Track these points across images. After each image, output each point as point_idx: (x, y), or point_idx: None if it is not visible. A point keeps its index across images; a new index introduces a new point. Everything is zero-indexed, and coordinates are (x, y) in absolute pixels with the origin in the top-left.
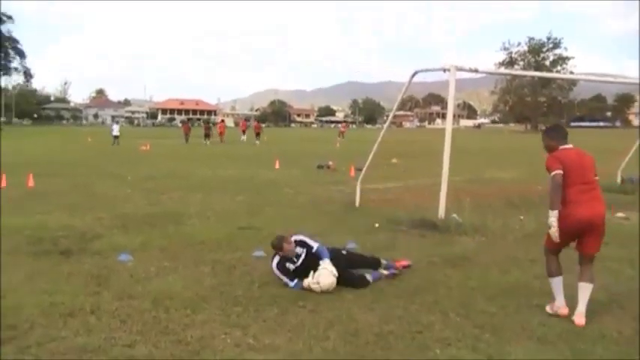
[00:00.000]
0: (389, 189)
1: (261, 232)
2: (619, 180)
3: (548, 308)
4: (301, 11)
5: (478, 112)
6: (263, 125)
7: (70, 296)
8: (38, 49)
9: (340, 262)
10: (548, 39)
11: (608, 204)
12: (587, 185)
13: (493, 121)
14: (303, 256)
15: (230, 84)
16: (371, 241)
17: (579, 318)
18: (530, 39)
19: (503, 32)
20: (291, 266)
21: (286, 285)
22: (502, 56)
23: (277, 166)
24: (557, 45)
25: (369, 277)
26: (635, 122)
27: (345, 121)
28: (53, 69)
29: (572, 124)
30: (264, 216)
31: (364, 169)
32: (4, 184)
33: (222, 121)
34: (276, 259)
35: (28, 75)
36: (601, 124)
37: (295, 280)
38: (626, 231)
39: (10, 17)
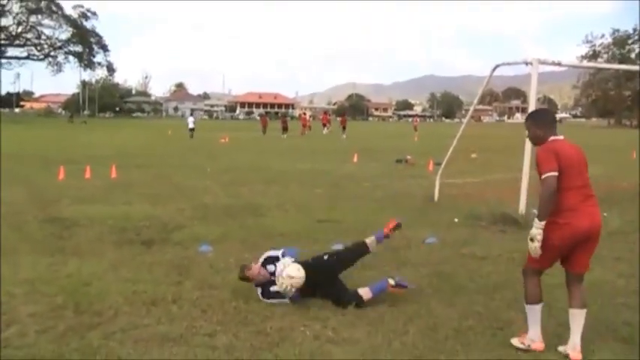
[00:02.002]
0: (468, 184)
1: (340, 225)
2: None
3: (515, 341)
4: (380, 5)
5: (559, 107)
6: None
7: (152, 285)
8: (121, 43)
9: (321, 270)
10: (634, 30)
11: None
12: (586, 189)
13: (574, 116)
14: (278, 270)
15: (308, 78)
16: (451, 236)
17: (575, 353)
18: (615, 31)
19: (586, 25)
20: (275, 287)
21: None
22: (584, 49)
23: (355, 159)
24: None
25: (365, 291)
26: None
27: (416, 115)
28: (135, 63)
29: None
30: (342, 209)
31: (443, 163)
32: (88, 174)
33: (305, 113)
34: (259, 290)
35: (110, 69)
36: None
37: (291, 295)
38: None
39: (94, 13)
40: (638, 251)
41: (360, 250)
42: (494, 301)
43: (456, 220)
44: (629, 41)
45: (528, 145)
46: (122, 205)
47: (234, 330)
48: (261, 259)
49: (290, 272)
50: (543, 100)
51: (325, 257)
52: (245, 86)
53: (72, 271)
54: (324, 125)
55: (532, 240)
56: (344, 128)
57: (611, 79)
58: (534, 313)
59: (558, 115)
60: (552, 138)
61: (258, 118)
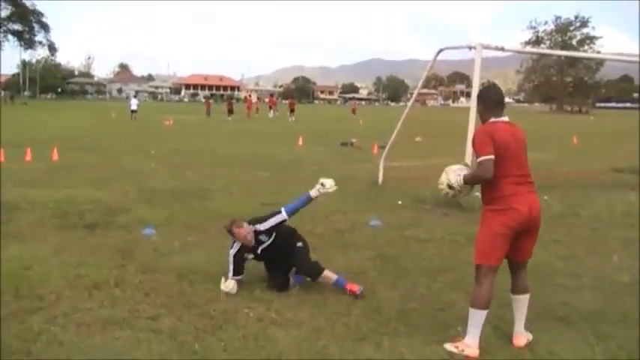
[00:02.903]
0: (412, 167)
1: None
2: None
3: (449, 346)
4: None
5: (503, 91)
6: (284, 102)
7: (95, 269)
8: (63, 23)
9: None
10: (576, 17)
11: (631, 186)
12: (524, 176)
13: (518, 101)
14: (267, 243)
15: (254, 60)
16: (395, 218)
17: (519, 339)
18: (558, 17)
19: (530, 11)
20: (249, 257)
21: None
22: (528, 35)
23: (301, 143)
24: (584, 24)
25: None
26: None
27: (354, 98)
28: (78, 43)
29: (599, 104)
30: (288, 192)
31: (387, 146)
32: (28, 157)
33: (250, 96)
34: (236, 246)
35: (52, 49)
36: (628, 105)
37: (240, 277)
38: None
39: None
40: (579, 234)
41: (311, 268)
42: (437, 283)
43: (400, 202)
44: (571, 28)
45: (471, 129)
46: (65, 188)
47: (178, 313)
48: (261, 227)
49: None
50: (488, 84)
51: (299, 244)
52: (190, 68)
53: (12, 256)
54: (271, 108)
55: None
56: (292, 111)
57: (554, 66)
58: (479, 318)
59: None
60: (493, 119)
61: (203, 100)
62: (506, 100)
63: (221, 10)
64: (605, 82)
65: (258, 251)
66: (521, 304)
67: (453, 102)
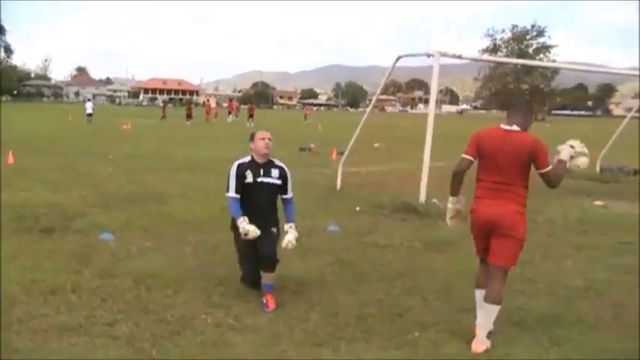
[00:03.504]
0: (371, 173)
1: None
2: (598, 169)
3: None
4: None
5: (460, 98)
6: (244, 107)
7: (51, 274)
8: (19, 24)
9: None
10: (533, 27)
11: (587, 192)
12: (498, 184)
13: (475, 108)
14: (271, 180)
15: (213, 65)
16: (353, 224)
17: (476, 345)
18: (514, 26)
19: (489, 20)
20: (249, 175)
21: (227, 191)
22: (486, 43)
23: None
24: (541, 33)
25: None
26: (616, 112)
27: (305, 103)
28: (34, 45)
29: (555, 112)
30: None
31: (346, 152)
32: None
33: (209, 100)
34: (246, 159)
35: (8, 51)
36: (582, 112)
37: (233, 195)
38: (605, 219)
39: None
40: (535, 240)
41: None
42: (395, 288)
43: (358, 208)
44: (528, 37)
45: (429, 135)
46: (20, 191)
47: (135, 319)
48: (279, 162)
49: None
50: (446, 91)
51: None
52: (149, 72)
53: None
54: (230, 113)
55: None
56: (251, 116)
57: (511, 74)
58: (476, 297)
59: (460, 107)
60: (499, 125)
61: (162, 104)
62: (464, 107)
63: (180, 13)
64: (561, 90)
65: (259, 179)
66: (484, 312)
67: (412, 108)
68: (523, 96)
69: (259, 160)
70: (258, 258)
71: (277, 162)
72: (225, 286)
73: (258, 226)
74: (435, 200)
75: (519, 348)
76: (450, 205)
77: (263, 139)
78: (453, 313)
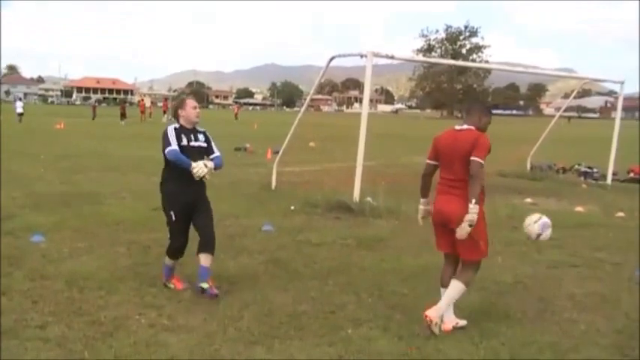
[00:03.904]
0: (306, 172)
1: None
2: (529, 167)
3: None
4: None
5: (396, 98)
6: None
7: None
8: None
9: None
10: (466, 27)
11: (518, 190)
12: (449, 181)
13: (410, 107)
14: (199, 143)
15: (148, 64)
16: (287, 223)
17: (431, 311)
18: (448, 27)
19: (424, 20)
20: (184, 139)
21: (167, 146)
22: (420, 43)
23: None
24: (474, 34)
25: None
26: (547, 111)
27: (238, 103)
28: None
29: None
30: None
31: (280, 152)
32: None
33: (143, 100)
34: (176, 125)
35: None
36: (514, 112)
37: (177, 148)
38: None
39: None
40: None
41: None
42: (328, 286)
43: (293, 207)
44: (461, 37)
45: (363, 135)
46: None
47: (67, 320)
48: (202, 130)
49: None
50: (381, 91)
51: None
52: (83, 71)
53: None
54: (165, 112)
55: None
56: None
57: (444, 73)
58: (456, 292)
59: (395, 106)
60: (452, 127)
61: (95, 104)
62: (399, 106)
63: (114, 11)
64: (493, 89)
65: (191, 142)
66: (451, 287)
67: (347, 108)
68: (456, 95)
69: (188, 127)
70: (199, 235)
71: (199, 128)
72: (158, 287)
73: (194, 189)
74: (368, 198)
75: (450, 343)
76: (420, 207)
77: (195, 107)
78: (385, 310)
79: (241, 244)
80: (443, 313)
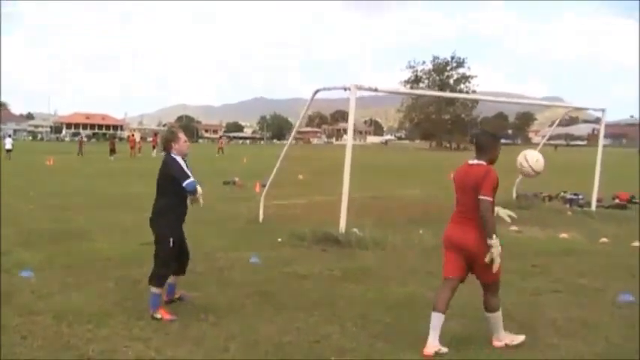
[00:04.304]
0: (293, 205)
1: None
2: (514, 195)
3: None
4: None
5: (385, 129)
6: None
7: None
8: None
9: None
10: (452, 58)
11: (501, 219)
12: (461, 209)
13: (399, 138)
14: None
15: (137, 99)
16: (274, 255)
17: (494, 342)
18: (435, 58)
19: (411, 52)
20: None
21: (187, 178)
22: (407, 74)
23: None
24: (460, 64)
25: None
26: (535, 139)
27: (222, 136)
28: None
29: None
30: None
31: (267, 185)
32: None
33: (133, 135)
34: (178, 157)
35: None
36: (503, 141)
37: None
38: (518, 244)
39: None
40: None
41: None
42: (313, 316)
43: (280, 240)
44: (448, 68)
45: (347, 166)
46: None
47: (55, 355)
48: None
49: None
50: (370, 122)
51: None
52: (72, 107)
53: None
54: (154, 147)
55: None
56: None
57: (433, 104)
58: (435, 319)
59: (384, 138)
60: (467, 162)
61: (85, 139)
62: (388, 137)
63: (101, 47)
64: (482, 119)
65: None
66: (488, 320)
67: (337, 140)
68: (445, 125)
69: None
70: (182, 259)
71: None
72: (146, 320)
73: (184, 218)
74: (355, 230)
75: None
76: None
77: (186, 141)
78: (368, 338)
79: (229, 277)
80: (503, 337)
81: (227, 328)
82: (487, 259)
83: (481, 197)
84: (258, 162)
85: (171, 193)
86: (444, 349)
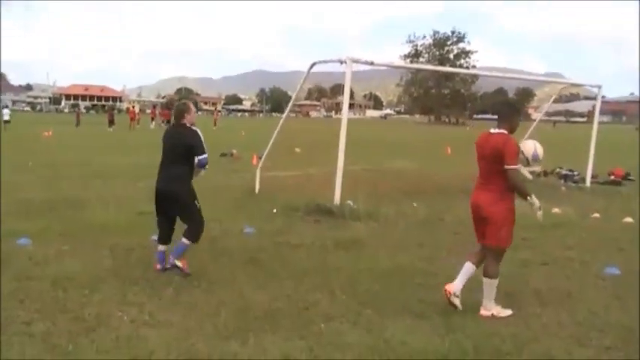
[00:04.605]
0: (289, 177)
1: None
2: None
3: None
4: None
5: (384, 103)
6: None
7: None
8: None
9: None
10: (453, 33)
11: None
12: (481, 179)
13: (398, 112)
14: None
15: (136, 71)
16: (268, 226)
17: (483, 311)
18: (435, 32)
19: (410, 26)
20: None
21: (204, 152)
22: (407, 49)
23: None
24: (461, 39)
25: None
26: (534, 116)
27: (217, 110)
28: None
29: (476, 116)
30: None
31: (263, 157)
32: None
33: (133, 107)
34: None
35: None
36: None
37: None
38: None
39: None
40: (441, 238)
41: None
42: (303, 284)
43: (275, 211)
44: (448, 43)
45: (343, 139)
46: None
47: (52, 318)
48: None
49: None
50: (370, 96)
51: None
52: (71, 78)
53: None
54: (152, 119)
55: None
56: (168, 122)
57: (432, 79)
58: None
59: (383, 112)
60: (488, 130)
61: (84, 111)
62: (388, 111)
63: (100, 17)
64: (481, 94)
65: None
66: (483, 285)
67: (336, 113)
68: (444, 100)
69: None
70: None
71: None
72: (140, 286)
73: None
74: (349, 202)
75: (417, 336)
76: (535, 201)
77: (195, 112)
78: (356, 306)
79: (222, 246)
80: (490, 307)
81: (219, 294)
82: (539, 216)
83: (507, 167)
84: (257, 135)
85: (188, 161)
86: (458, 303)
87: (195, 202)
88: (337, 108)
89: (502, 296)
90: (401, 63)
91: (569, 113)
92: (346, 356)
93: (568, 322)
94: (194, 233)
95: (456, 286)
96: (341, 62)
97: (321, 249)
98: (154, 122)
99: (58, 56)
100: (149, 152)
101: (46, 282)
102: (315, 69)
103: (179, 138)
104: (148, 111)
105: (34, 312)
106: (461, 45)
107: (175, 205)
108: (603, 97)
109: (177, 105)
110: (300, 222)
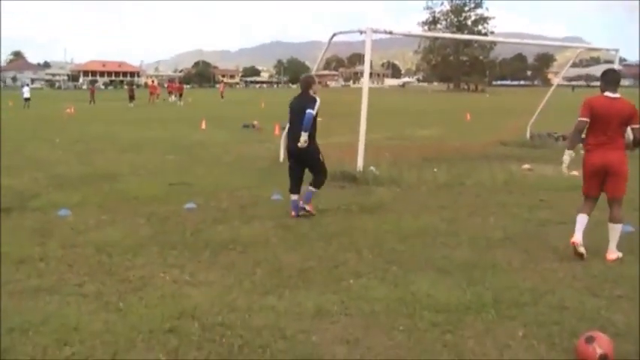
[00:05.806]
0: None
1: (192, 188)
2: (528, 136)
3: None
4: None
5: (403, 72)
6: (187, 86)
7: (17, 247)
8: None
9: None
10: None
11: (517, 157)
12: (604, 137)
13: (417, 80)
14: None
15: (153, 45)
16: None
17: (609, 254)
18: None
19: None
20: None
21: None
22: (425, 15)
23: (204, 126)
24: (478, 5)
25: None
26: (554, 81)
27: (223, 82)
28: None
29: (495, 83)
30: (193, 173)
31: (287, 126)
32: None
33: (153, 81)
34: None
35: None
36: (522, 83)
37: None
38: (529, 181)
39: None
40: (463, 200)
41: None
42: (332, 245)
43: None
44: (466, 9)
45: (364, 108)
46: None
47: (101, 279)
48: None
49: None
50: (387, 65)
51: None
52: (88, 54)
53: None
54: (170, 93)
55: (562, 162)
56: (180, 95)
57: (450, 46)
58: (578, 220)
59: (402, 80)
60: (604, 94)
61: (102, 87)
62: (406, 80)
63: None
64: (500, 60)
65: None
66: (612, 230)
67: (354, 83)
68: (462, 67)
69: None
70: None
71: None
72: (178, 250)
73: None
74: (372, 168)
75: (440, 289)
76: (567, 157)
77: (318, 83)
78: (383, 264)
79: (253, 212)
80: (614, 249)
81: (253, 256)
82: None
83: (637, 127)
84: (276, 106)
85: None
86: (584, 250)
87: (320, 156)
88: (355, 77)
89: (521, 252)
90: (419, 31)
91: (589, 77)
92: (375, 308)
93: (582, 275)
94: (320, 182)
95: (579, 238)
96: (360, 32)
97: (347, 213)
98: (172, 96)
99: (74, 33)
100: (173, 126)
101: (90, 248)
102: (334, 39)
103: (304, 104)
104: (165, 85)
105: (83, 275)
106: (479, 11)
107: (305, 159)
108: (624, 60)
109: (305, 78)
110: (326, 188)
